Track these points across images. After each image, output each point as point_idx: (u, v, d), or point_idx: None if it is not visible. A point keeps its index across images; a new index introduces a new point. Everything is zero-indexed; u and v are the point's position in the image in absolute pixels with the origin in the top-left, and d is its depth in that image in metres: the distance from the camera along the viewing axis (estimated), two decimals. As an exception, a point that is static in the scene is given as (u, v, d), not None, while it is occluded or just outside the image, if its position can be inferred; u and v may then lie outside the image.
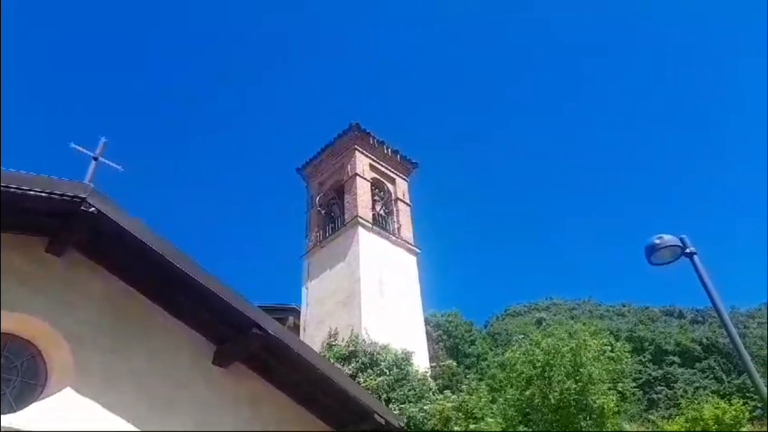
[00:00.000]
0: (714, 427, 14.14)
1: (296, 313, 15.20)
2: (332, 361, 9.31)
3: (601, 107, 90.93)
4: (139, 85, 79.46)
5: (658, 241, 6.36)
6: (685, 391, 29.83)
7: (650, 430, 19.48)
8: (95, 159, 6.57)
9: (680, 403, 19.25)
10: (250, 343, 6.83)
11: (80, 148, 6.59)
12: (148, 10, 72.05)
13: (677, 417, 16.57)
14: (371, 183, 16.82)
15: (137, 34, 75.66)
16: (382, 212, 16.77)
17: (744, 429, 14.30)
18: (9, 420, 5.47)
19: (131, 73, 77.55)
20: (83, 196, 5.88)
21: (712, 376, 33.52)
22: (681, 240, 6.45)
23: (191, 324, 7.08)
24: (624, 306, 51.08)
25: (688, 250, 6.40)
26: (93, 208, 5.90)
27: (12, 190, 5.55)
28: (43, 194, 5.73)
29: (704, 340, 36.13)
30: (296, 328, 14.31)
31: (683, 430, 15.01)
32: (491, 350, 34.49)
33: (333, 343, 11.37)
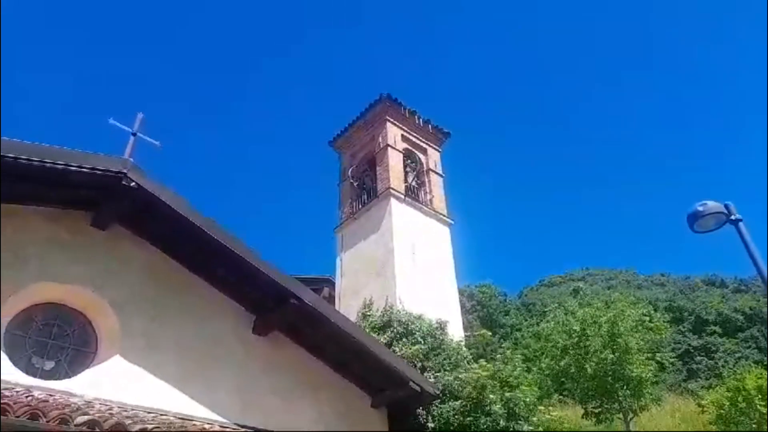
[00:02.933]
0: (757, 398, 13.84)
1: (331, 284, 15.37)
2: (367, 330, 9.43)
3: (643, 68, 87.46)
4: (174, 64, 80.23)
5: (701, 208, 6.13)
6: (726, 362, 29.25)
7: (690, 399, 19.21)
8: (134, 135, 6.70)
9: (721, 373, 18.92)
10: (287, 312, 6.98)
11: (119, 124, 6.73)
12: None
13: (718, 387, 16.27)
14: (403, 154, 16.64)
15: (172, 10, 76.03)
16: (414, 183, 16.61)
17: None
18: (66, 385, 5.77)
19: (167, 50, 78.29)
20: (124, 171, 6.04)
21: (754, 345, 32.68)
22: (726, 207, 6.20)
23: (230, 294, 7.27)
24: (663, 276, 49.96)
25: (733, 217, 6.15)
26: (133, 183, 6.06)
27: (55, 165, 5.74)
28: (85, 169, 5.91)
29: (747, 310, 35.14)
30: (331, 299, 14.50)
31: (724, 399, 14.75)
32: (525, 321, 34.43)
33: (367, 313, 11.47)
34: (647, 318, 16.14)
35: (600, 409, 15.17)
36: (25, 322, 6.05)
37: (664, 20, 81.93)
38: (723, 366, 27.65)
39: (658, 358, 16.77)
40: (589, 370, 14.61)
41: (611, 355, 14.36)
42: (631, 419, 15.22)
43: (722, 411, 14.88)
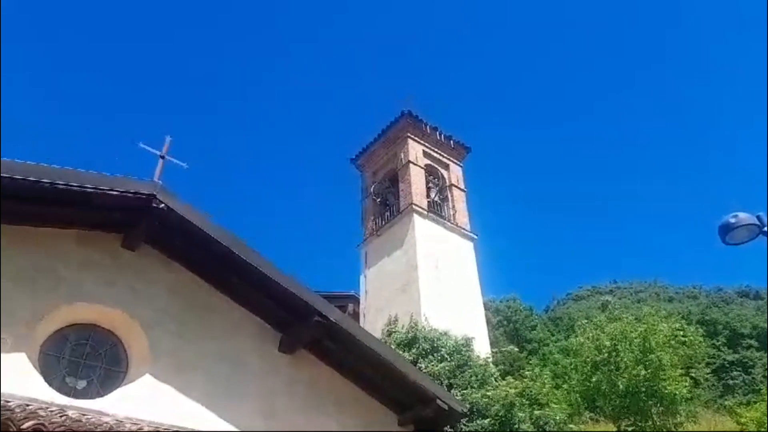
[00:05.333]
0: (799, 415, 13.30)
1: (355, 300, 15.42)
2: (393, 347, 9.40)
3: (671, 77, 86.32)
4: (192, 81, 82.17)
5: (733, 220, 5.99)
6: (765, 377, 28.18)
7: (727, 417, 18.54)
8: (162, 157, 6.87)
9: (759, 389, 18.22)
10: (312, 330, 7.00)
11: (148, 148, 6.91)
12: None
13: (757, 403, 15.68)
14: (425, 170, 16.73)
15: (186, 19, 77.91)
16: (436, 199, 16.67)
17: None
18: (98, 404, 5.87)
19: (184, 68, 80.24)
20: (153, 193, 6.19)
21: (794, 360, 31.40)
22: (758, 218, 6.05)
23: (255, 312, 7.33)
24: (695, 288, 48.66)
25: (766, 228, 6.00)
26: (162, 205, 6.20)
27: (87, 189, 5.92)
28: (116, 193, 6.08)
29: (785, 323, 33.85)
30: (356, 315, 14.52)
31: (764, 416, 14.21)
32: (552, 335, 33.83)
33: (393, 330, 11.45)
34: (680, 332, 15.72)
35: (633, 428, 14.74)
36: (58, 343, 6.18)
37: (698, 23, 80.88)
38: (761, 381, 26.67)
39: (693, 374, 16.29)
40: (621, 386, 14.25)
41: (644, 372, 13.99)
42: (665, 438, 14.75)
43: (762, 429, 14.33)
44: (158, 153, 6.91)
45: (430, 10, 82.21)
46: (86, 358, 6.25)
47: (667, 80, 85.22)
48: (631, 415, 14.75)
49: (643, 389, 14.14)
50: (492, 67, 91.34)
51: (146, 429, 5.54)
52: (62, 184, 5.74)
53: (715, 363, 29.13)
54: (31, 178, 5.55)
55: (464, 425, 8.43)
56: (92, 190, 5.94)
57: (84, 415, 5.42)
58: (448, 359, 9.57)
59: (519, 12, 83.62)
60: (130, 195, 6.13)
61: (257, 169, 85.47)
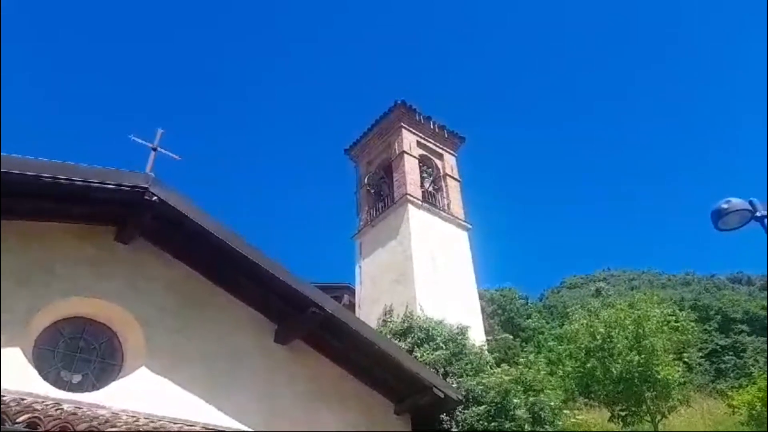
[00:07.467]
0: (790, 397, 13.48)
1: (351, 291, 15.42)
2: (388, 337, 9.42)
3: (665, 64, 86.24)
4: (186, 73, 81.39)
5: (725, 206, 6.01)
6: (756, 360, 28.51)
7: (720, 400, 18.77)
8: (154, 149, 6.81)
9: (751, 373, 18.43)
10: (309, 321, 7.01)
11: (140, 140, 6.85)
12: None
13: (748, 387, 15.86)
14: (419, 160, 16.65)
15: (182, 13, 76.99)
16: (431, 189, 16.61)
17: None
18: (93, 398, 5.86)
19: (178, 60, 79.41)
20: (145, 185, 6.14)
21: (785, 344, 31.76)
22: (750, 203, 6.08)
23: (252, 304, 7.33)
24: (688, 275, 49.12)
25: (758, 214, 6.02)
26: (155, 197, 6.16)
27: (79, 182, 5.87)
28: (108, 185, 6.03)
29: (775, 307, 34.20)
30: (351, 306, 14.52)
31: (756, 399, 14.40)
32: (547, 323, 34.03)
33: (388, 320, 11.46)
34: (673, 318, 15.86)
35: (627, 412, 14.92)
36: (53, 337, 6.16)
37: (698, 23, 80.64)
38: (752, 365, 27.01)
39: (685, 359, 16.47)
40: (614, 372, 14.39)
41: (637, 357, 14.13)
42: (659, 422, 14.93)
43: (754, 412, 14.54)
44: (150, 145, 6.85)
45: (432, 7, 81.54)
46: (81, 352, 6.24)
47: (666, 66, 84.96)
48: (625, 400, 14.91)
49: (637, 374, 14.28)
50: (484, 62, 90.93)
51: (143, 421, 5.55)
52: (54, 177, 5.69)
53: (707, 348, 29.44)
54: (20, 172, 5.49)
55: (460, 412, 8.48)
56: (83, 183, 5.88)
57: (79, 408, 5.42)
58: (444, 348, 9.58)
59: (518, 11, 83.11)
60: (121, 187, 6.08)
61: (253, 163, 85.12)
